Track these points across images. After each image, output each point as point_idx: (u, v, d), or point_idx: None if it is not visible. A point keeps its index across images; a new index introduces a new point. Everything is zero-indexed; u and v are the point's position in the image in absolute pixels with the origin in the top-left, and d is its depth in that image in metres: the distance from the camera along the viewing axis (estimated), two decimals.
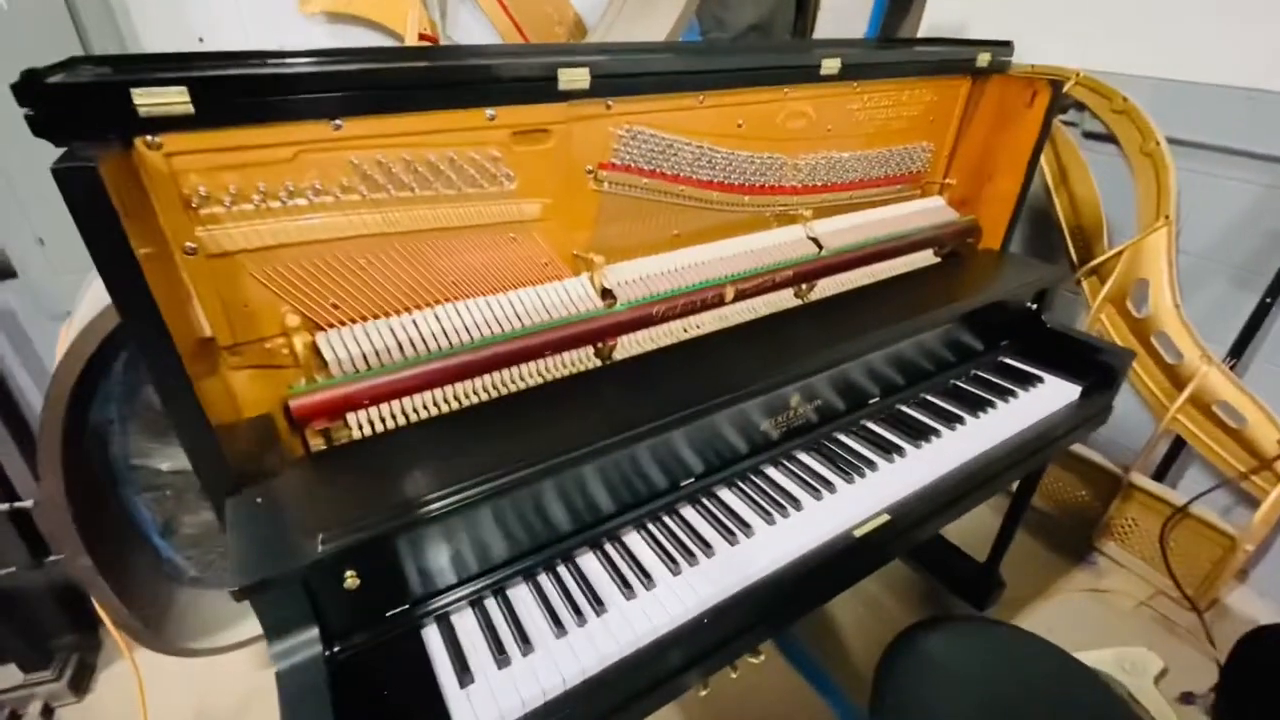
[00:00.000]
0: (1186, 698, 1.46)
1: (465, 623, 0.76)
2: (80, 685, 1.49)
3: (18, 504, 1.30)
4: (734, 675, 0.97)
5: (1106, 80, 1.70)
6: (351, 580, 0.67)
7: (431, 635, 0.75)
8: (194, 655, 1.38)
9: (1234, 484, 1.63)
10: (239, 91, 0.67)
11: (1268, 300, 1.55)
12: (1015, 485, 1.50)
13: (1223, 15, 1.54)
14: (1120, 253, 1.71)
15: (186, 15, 1.43)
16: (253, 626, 1.46)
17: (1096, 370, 1.24)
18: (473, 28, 1.65)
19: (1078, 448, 1.88)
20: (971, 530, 1.69)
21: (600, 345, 0.97)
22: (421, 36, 1.54)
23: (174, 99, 0.63)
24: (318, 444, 0.80)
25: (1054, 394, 1.22)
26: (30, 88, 0.58)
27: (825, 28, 1.53)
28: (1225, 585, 1.70)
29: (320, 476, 0.76)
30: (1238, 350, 1.61)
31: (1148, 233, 1.65)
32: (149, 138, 0.65)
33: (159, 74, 0.63)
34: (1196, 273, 1.68)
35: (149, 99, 0.62)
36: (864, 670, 1.56)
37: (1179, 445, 1.75)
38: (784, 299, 1.17)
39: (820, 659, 1.57)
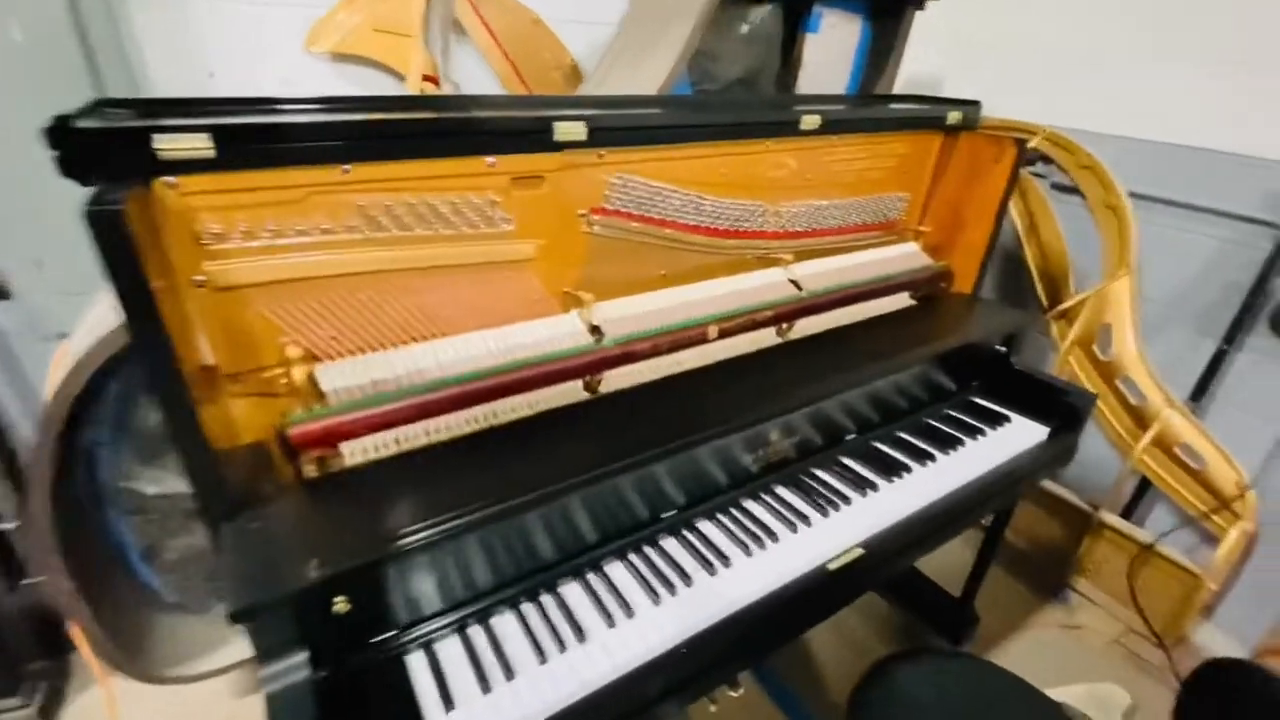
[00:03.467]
0: None
1: (449, 650, 0.78)
2: (50, 713, 1.46)
3: None
4: (713, 709, 0.98)
5: (1073, 137, 1.81)
6: (341, 605, 0.70)
7: (416, 662, 0.77)
8: (170, 683, 1.37)
9: (1196, 523, 1.69)
10: (256, 138, 0.71)
11: (1224, 347, 1.63)
12: (988, 521, 1.55)
13: (1183, 80, 1.65)
14: (1085, 299, 1.79)
15: (197, 51, 1.48)
16: (228, 654, 1.45)
17: (1062, 411, 1.30)
18: (473, 70, 1.72)
19: (1050, 485, 1.93)
20: (947, 565, 1.73)
21: (588, 379, 1.01)
22: (424, 78, 1.61)
23: (196, 145, 0.67)
24: (311, 471, 0.82)
25: (1021, 433, 1.27)
26: (60, 131, 0.62)
27: (807, 82, 1.61)
28: (1192, 622, 1.75)
29: (313, 503, 0.79)
30: (1197, 394, 1.69)
31: (1111, 280, 1.74)
32: (167, 179, 0.69)
33: (179, 119, 0.68)
34: (1159, 320, 1.77)
35: (169, 144, 0.66)
36: (840, 702, 1.57)
37: (1145, 485, 1.81)
38: (765, 337, 1.22)
39: (797, 691, 1.58)
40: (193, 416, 0.67)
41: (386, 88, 1.63)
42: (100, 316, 1.07)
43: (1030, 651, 1.72)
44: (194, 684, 1.41)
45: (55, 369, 1.18)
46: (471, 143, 0.84)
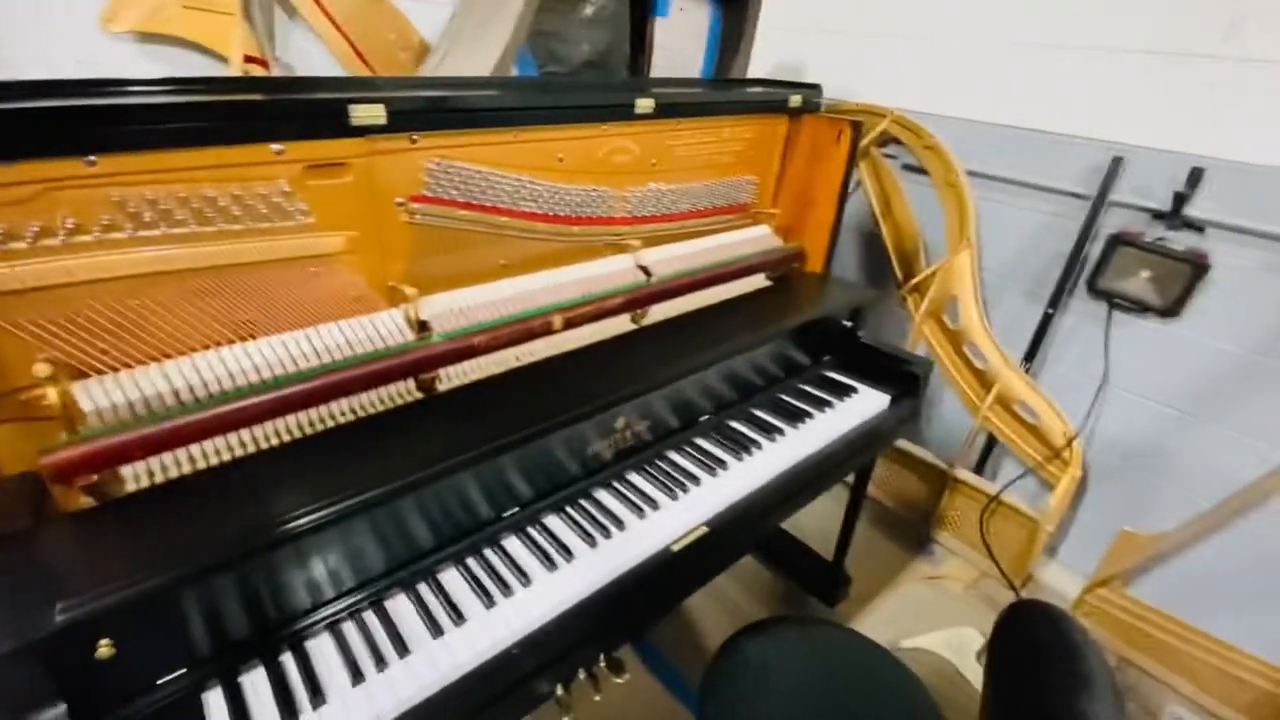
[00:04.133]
0: None
1: (254, 680, 0.73)
2: None
3: None
4: (597, 699, 0.97)
5: (919, 120, 1.91)
6: (106, 649, 0.62)
7: (214, 699, 0.70)
8: None
9: (1034, 472, 1.86)
10: None
11: (1049, 311, 1.79)
12: (851, 484, 1.62)
13: (1011, 66, 1.77)
14: (934, 272, 1.91)
15: None
16: None
17: (904, 379, 1.38)
18: (309, 51, 1.60)
19: (911, 447, 2.06)
20: (821, 530, 1.81)
21: (420, 378, 0.96)
22: (248, 59, 1.47)
23: None
24: (85, 501, 0.74)
25: (866, 402, 1.34)
26: None
27: (663, 65, 1.61)
28: (1038, 563, 1.92)
29: (81, 536, 0.70)
30: (1030, 355, 1.85)
31: (954, 254, 1.86)
32: None
33: None
34: (997, 288, 1.91)
35: None
36: None
37: (992, 441, 1.97)
38: (620, 324, 1.22)
39: (680, 665, 1.61)
40: None
41: (205, 70, 1.48)
42: None
43: (899, 605, 1.84)
44: None
45: None
46: (250, 129, 0.77)
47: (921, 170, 1.95)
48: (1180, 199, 1.51)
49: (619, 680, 1.00)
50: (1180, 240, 1.54)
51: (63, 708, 0.60)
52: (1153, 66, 1.54)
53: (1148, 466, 1.72)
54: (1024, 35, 1.74)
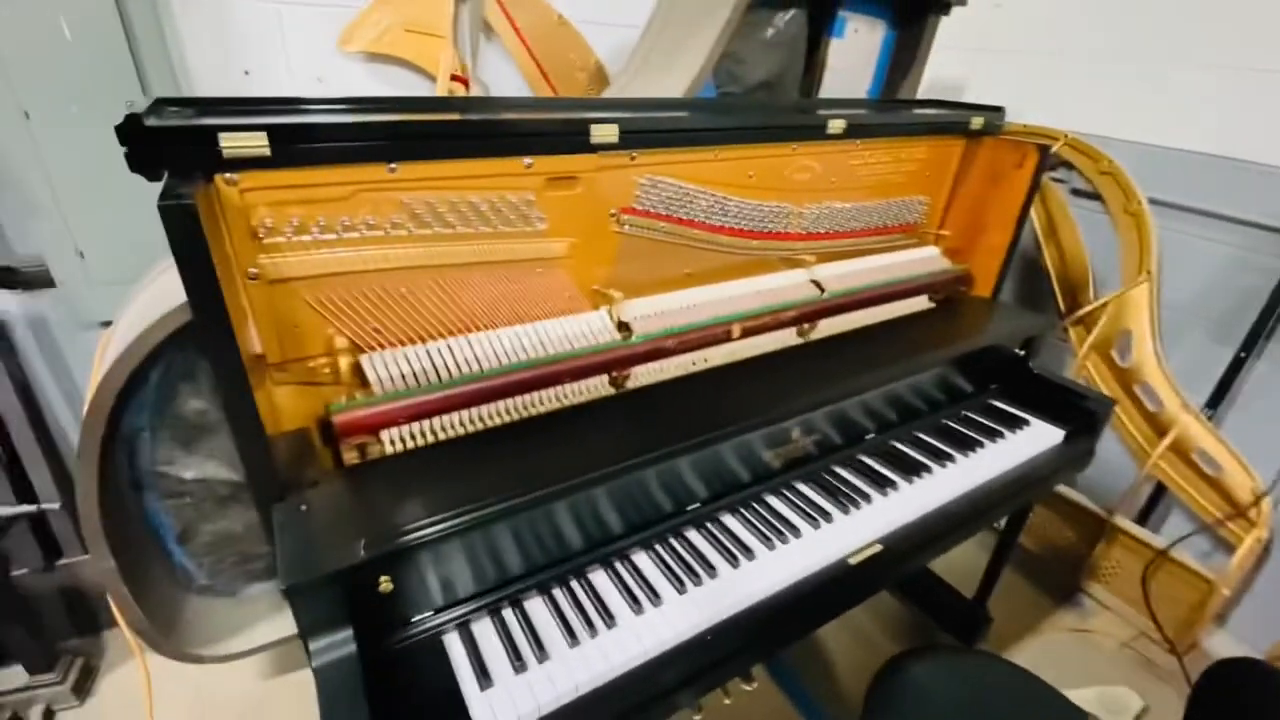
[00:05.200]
0: None
1: (484, 630, 0.82)
2: (83, 689, 1.51)
3: (42, 506, 1.35)
4: (727, 701, 1.01)
5: (1094, 143, 1.82)
6: (386, 585, 0.73)
7: (453, 642, 0.80)
8: (200, 662, 1.41)
9: (1211, 530, 1.70)
10: (308, 137, 0.75)
11: (1242, 354, 1.64)
12: (1003, 523, 1.56)
13: (1202, 87, 1.66)
14: (1105, 304, 1.80)
15: (235, 50, 1.52)
16: (256, 636, 1.49)
17: (1079, 416, 1.31)
18: (501, 70, 1.76)
19: (1065, 490, 1.94)
20: (961, 566, 1.75)
21: (615, 375, 1.04)
22: (453, 78, 1.64)
23: (255, 143, 0.70)
24: (352, 458, 0.86)
25: (1039, 436, 1.29)
26: (131, 129, 0.65)
27: (831, 86, 1.63)
28: (1204, 629, 1.75)
29: (355, 488, 0.82)
30: (1214, 401, 1.69)
31: (1131, 286, 1.74)
32: (228, 175, 0.72)
33: (238, 118, 0.71)
34: (1177, 326, 1.77)
35: (233, 142, 0.69)
36: (851, 700, 1.59)
37: (1160, 490, 1.81)
38: (787, 337, 1.25)
39: (808, 686, 1.60)
40: (250, 402, 0.71)
41: (416, 87, 1.67)
42: (144, 305, 1.11)
43: (1042, 653, 1.74)
44: (224, 664, 1.46)
45: (100, 356, 1.23)
46: (511, 144, 0.87)
47: (1093, 195, 1.85)
48: None
49: (748, 688, 1.02)
50: None
51: (350, 630, 0.71)
52: None
53: None
54: (1220, 58, 1.62)
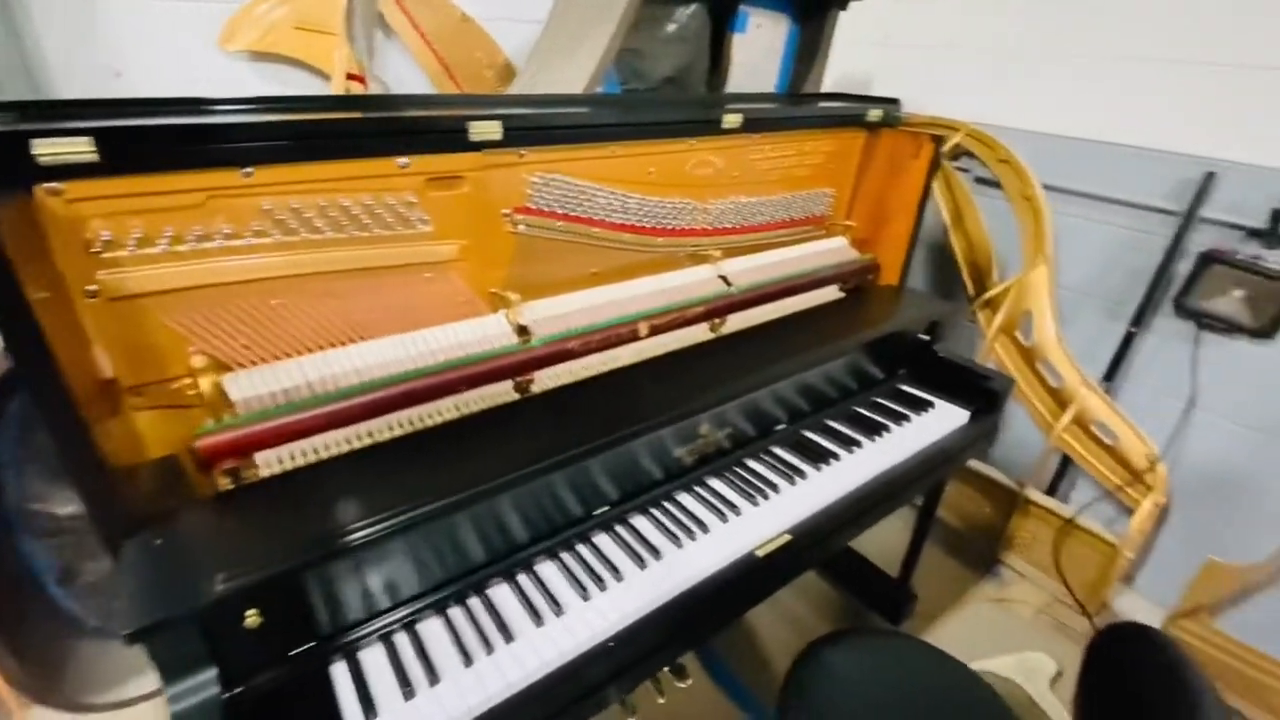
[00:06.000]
0: None
1: (373, 657, 0.77)
2: None
3: None
4: (661, 701, 1.00)
5: (992, 133, 1.89)
6: (253, 619, 0.68)
7: (339, 672, 0.75)
8: (95, 711, 1.31)
9: (1113, 496, 1.79)
10: (144, 141, 0.69)
11: (1132, 330, 1.74)
12: (921, 503, 1.61)
13: (1091, 78, 1.74)
14: (1008, 287, 1.87)
15: (104, 49, 1.41)
16: (148, 682, 1.39)
17: (982, 395, 1.36)
18: (402, 69, 1.69)
19: (980, 466, 2.02)
20: (885, 546, 1.79)
21: (518, 380, 1.01)
22: (349, 76, 1.57)
23: (78, 149, 0.64)
24: (225, 483, 0.80)
25: (944, 417, 1.33)
26: None
27: (737, 81, 1.64)
28: (1113, 590, 1.85)
29: (225, 516, 0.76)
30: (1110, 374, 1.79)
31: (1030, 269, 1.82)
32: (49, 185, 0.66)
33: (67, 122, 0.65)
34: (1074, 305, 1.86)
35: (50, 149, 0.63)
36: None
37: (1067, 462, 1.91)
38: (698, 333, 1.24)
39: (744, 678, 1.61)
40: (82, 433, 0.64)
41: (310, 88, 1.59)
42: None
43: (965, 626, 1.80)
44: (118, 711, 1.36)
45: None
46: (381, 144, 0.83)
47: (995, 183, 1.92)
48: (1278, 216, 1.45)
49: (681, 685, 1.02)
50: (1277, 259, 1.48)
51: (214, 671, 0.66)
52: (1247, 79, 1.49)
53: (1236, 493, 1.65)
54: (1104, 49, 1.71)
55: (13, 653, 1.18)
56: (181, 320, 0.78)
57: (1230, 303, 1.55)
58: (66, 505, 1.23)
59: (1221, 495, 1.67)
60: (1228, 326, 1.57)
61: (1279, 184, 1.44)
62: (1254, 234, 1.50)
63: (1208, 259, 1.56)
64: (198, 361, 0.77)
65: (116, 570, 0.67)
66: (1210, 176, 1.55)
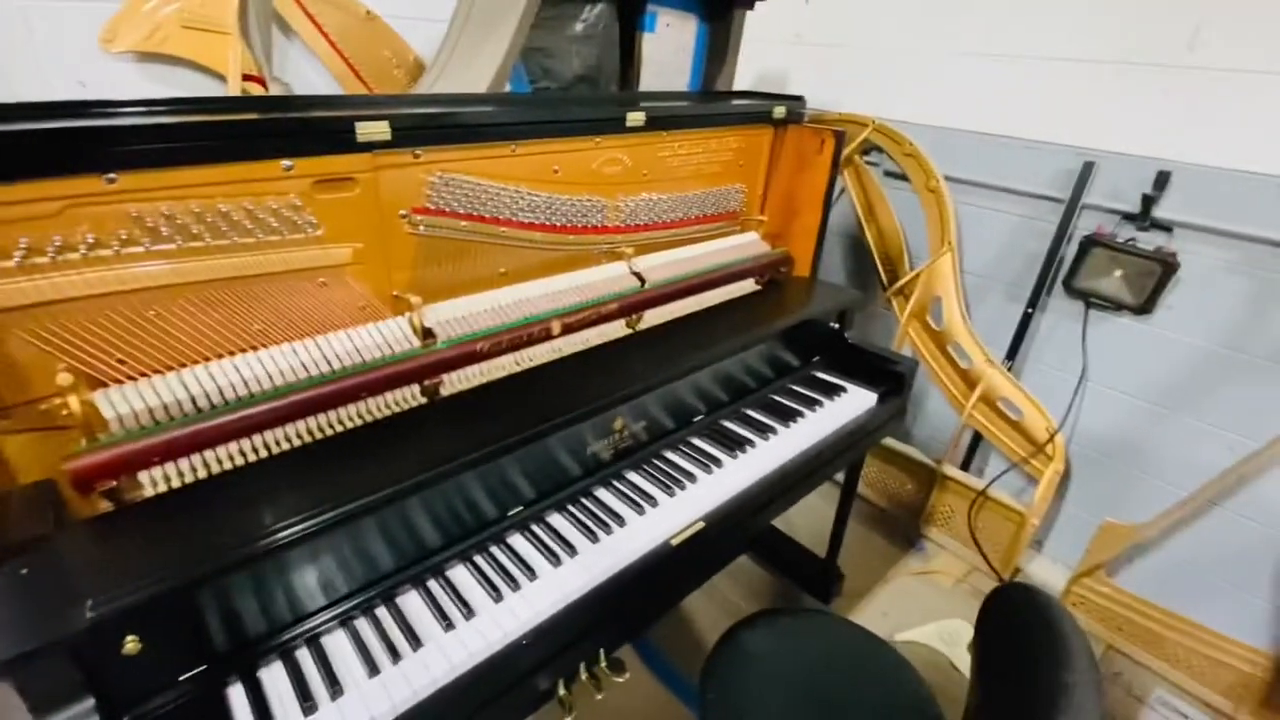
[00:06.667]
0: None
1: (273, 676, 0.75)
2: None
3: None
4: (599, 697, 1.00)
5: (897, 128, 1.98)
6: (132, 645, 0.65)
7: (235, 694, 0.73)
8: None
9: (1019, 467, 1.91)
10: None
11: (1029, 310, 1.85)
12: (843, 482, 1.67)
13: (984, 77, 1.85)
14: (917, 275, 1.97)
15: None
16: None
17: (890, 378, 1.43)
18: (306, 70, 1.64)
19: (900, 446, 2.11)
20: (814, 528, 1.86)
21: (425, 383, 0.99)
22: (246, 78, 1.50)
23: None
24: (104, 506, 0.76)
25: (855, 401, 1.38)
26: None
27: (651, 80, 1.66)
28: (1025, 556, 1.97)
29: (104, 539, 0.73)
30: (1012, 353, 1.91)
31: (936, 257, 1.92)
32: None
33: None
34: (978, 289, 1.97)
35: None
36: None
37: (978, 438, 2.02)
38: (615, 330, 1.25)
39: (682, 667, 1.64)
40: None
41: (205, 89, 1.51)
42: None
43: (891, 599, 1.88)
44: None
45: None
46: (260, 146, 0.80)
47: (903, 176, 2.01)
48: (1149, 201, 1.58)
49: (619, 679, 1.02)
50: (1150, 240, 1.61)
51: (90, 702, 0.63)
52: (1119, 76, 1.61)
53: (1127, 459, 1.78)
54: (995, 48, 1.82)
55: None
56: (46, 336, 0.73)
57: (1112, 282, 1.68)
58: None
59: (1115, 461, 1.81)
60: (1112, 304, 1.70)
61: (1147, 171, 1.57)
62: (1128, 218, 1.63)
63: (1089, 242, 1.68)
64: (63, 379, 0.73)
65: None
66: (1089, 166, 1.67)
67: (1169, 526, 1.67)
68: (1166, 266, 1.57)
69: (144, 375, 0.80)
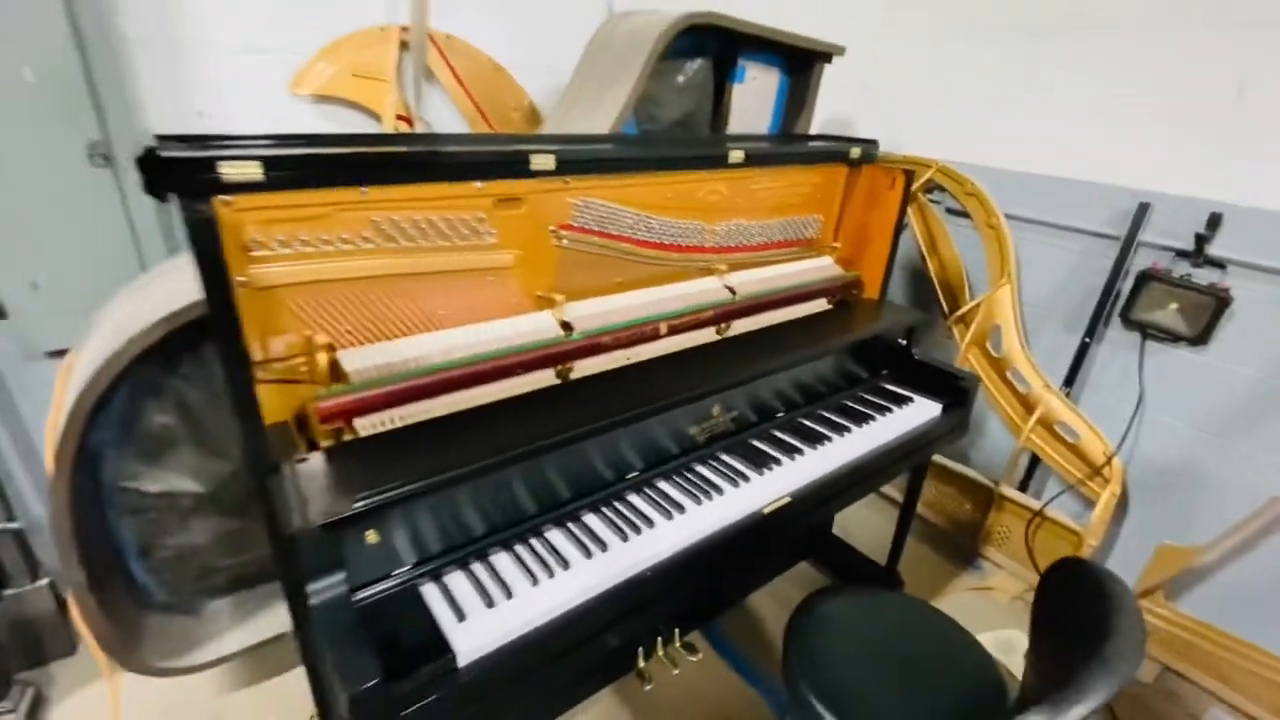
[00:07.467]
0: None
1: (456, 580, 0.95)
2: (36, 717, 1.50)
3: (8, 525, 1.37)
4: (676, 672, 1.15)
5: (960, 169, 2.15)
6: (373, 536, 0.86)
7: (429, 591, 0.93)
8: (164, 675, 1.44)
9: (1076, 489, 1.99)
10: (297, 165, 0.89)
11: (1086, 340, 1.96)
12: (903, 499, 1.79)
13: (1040, 123, 2.01)
14: (978, 304, 2.10)
15: (188, 91, 1.63)
16: (218, 648, 1.53)
17: (953, 391, 1.57)
18: (442, 110, 1.93)
19: (959, 465, 2.22)
20: (876, 544, 1.97)
21: (560, 367, 1.20)
22: (398, 118, 1.80)
23: (250, 170, 0.85)
24: (327, 443, 0.98)
25: (921, 410, 1.53)
26: (149, 159, 0.78)
27: (736, 124, 1.88)
28: None
29: (335, 464, 0.94)
30: (1069, 380, 2.01)
31: (996, 289, 2.06)
32: (224, 197, 0.86)
33: (236, 150, 0.85)
34: (1036, 319, 2.10)
35: (232, 170, 0.83)
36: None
37: (1036, 461, 2.11)
38: (707, 335, 1.45)
39: (749, 656, 1.77)
40: (251, 387, 0.83)
41: (363, 126, 1.81)
42: (122, 321, 1.20)
43: (948, 610, 1.96)
44: (183, 680, 1.49)
45: (62, 380, 1.30)
46: (464, 170, 1.04)
47: (963, 214, 2.17)
48: (1201, 240, 1.69)
49: (693, 659, 1.18)
50: (1204, 276, 1.72)
51: (343, 574, 0.84)
52: (1173, 123, 1.75)
53: (1184, 484, 1.85)
54: (1053, 96, 1.98)
55: (106, 617, 1.32)
56: (304, 307, 0.97)
57: (1167, 315, 1.79)
58: (154, 484, 1.39)
59: (1172, 486, 1.88)
60: (1168, 336, 1.80)
61: (1201, 212, 1.69)
62: (1182, 254, 1.75)
63: (1145, 277, 1.80)
64: (320, 339, 0.96)
65: (266, 494, 0.85)
66: (1144, 206, 1.80)
67: (1226, 550, 1.73)
68: (1220, 301, 1.67)
69: (362, 343, 1.03)
